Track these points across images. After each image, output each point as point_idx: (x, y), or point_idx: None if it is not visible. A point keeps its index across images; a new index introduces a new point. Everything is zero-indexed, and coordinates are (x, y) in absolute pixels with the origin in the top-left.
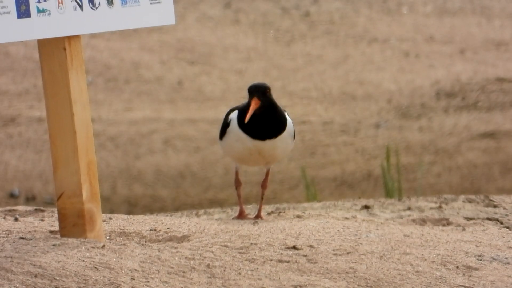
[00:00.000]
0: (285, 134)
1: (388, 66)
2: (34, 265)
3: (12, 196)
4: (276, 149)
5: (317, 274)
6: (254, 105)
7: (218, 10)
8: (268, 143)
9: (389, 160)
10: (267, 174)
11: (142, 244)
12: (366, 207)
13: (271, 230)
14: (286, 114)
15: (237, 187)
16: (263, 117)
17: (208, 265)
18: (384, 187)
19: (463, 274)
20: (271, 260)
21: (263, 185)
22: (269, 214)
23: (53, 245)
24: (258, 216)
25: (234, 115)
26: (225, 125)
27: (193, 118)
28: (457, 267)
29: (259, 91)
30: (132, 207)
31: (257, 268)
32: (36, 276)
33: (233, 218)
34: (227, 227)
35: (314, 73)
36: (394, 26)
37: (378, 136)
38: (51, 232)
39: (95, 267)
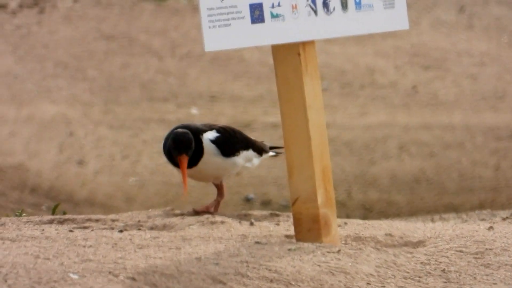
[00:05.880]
0: (205, 157)
1: None
2: (270, 269)
3: (247, 200)
4: (204, 171)
5: None
6: (184, 164)
7: (452, 15)
8: (195, 168)
9: None
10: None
11: (378, 249)
12: None
13: (506, 235)
14: (208, 135)
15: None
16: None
17: (443, 270)
18: None
19: None
20: (506, 265)
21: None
22: (503, 220)
23: (289, 249)
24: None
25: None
26: None
27: (427, 123)
28: None
29: (186, 148)
30: (368, 212)
31: (492, 273)
32: (271, 281)
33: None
34: (462, 232)
35: None
36: None
37: None
38: (286, 236)
39: (331, 272)
